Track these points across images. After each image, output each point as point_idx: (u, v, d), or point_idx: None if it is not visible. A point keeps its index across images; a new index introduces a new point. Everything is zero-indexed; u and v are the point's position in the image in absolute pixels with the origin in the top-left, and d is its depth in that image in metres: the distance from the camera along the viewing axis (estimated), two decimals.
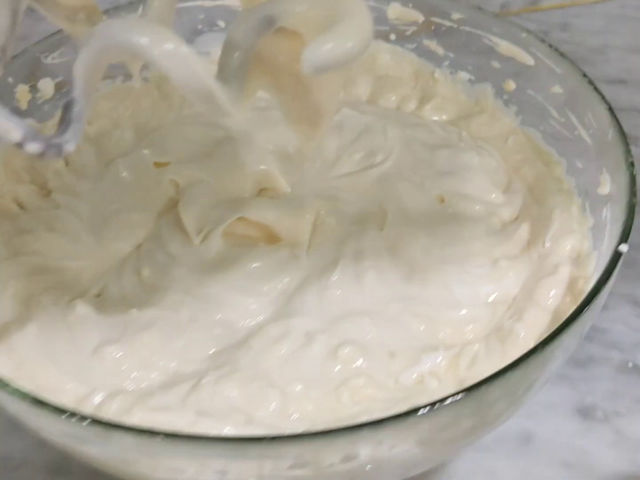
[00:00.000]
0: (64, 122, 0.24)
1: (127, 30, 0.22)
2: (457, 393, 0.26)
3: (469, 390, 0.26)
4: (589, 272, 0.34)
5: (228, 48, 0.25)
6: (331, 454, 0.26)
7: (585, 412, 0.41)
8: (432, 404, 0.26)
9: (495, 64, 0.43)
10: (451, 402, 0.26)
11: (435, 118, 0.45)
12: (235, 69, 0.25)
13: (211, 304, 0.34)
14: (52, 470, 0.40)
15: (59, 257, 0.36)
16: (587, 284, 0.33)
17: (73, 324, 0.33)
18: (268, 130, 0.42)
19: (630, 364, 0.43)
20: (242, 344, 0.33)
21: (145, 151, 0.41)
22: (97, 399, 0.30)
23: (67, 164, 0.41)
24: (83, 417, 0.25)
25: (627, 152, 0.34)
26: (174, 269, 0.35)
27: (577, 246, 0.36)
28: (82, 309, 0.33)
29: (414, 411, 0.25)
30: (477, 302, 0.34)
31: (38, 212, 0.38)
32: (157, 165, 0.40)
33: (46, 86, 0.42)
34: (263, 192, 0.40)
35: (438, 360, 0.32)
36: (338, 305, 0.34)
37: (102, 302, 0.34)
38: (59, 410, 0.26)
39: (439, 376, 0.32)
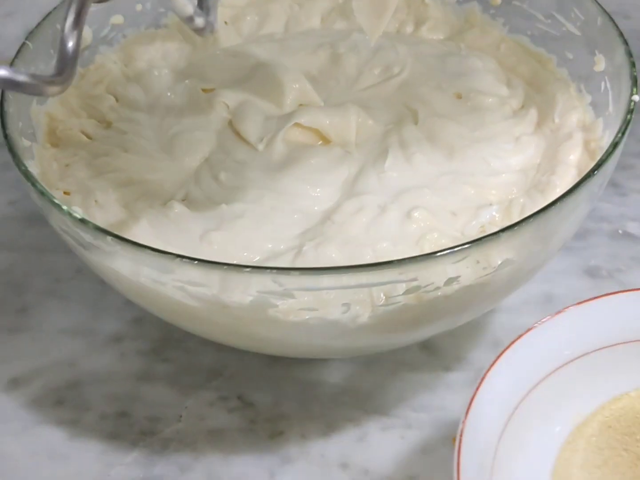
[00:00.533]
0: (205, 7, 0.28)
1: None
2: (527, 218, 0.32)
3: (534, 215, 0.32)
4: (599, 135, 0.41)
5: None
6: (438, 275, 0.32)
7: (592, 272, 0.48)
8: (513, 225, 0.32)
9: None
10: (523, 224, 0.32)
11: (434, 37, 0.50)
12: None
13: (287, 195, 0.39)
14: (138, 377, 0.43)
15: (140, 172, 0.40)
16: (600, 143, 0.40)
17: (175, 219, 0.37)
18: (290, 58, 0.47)
19: (620, 231, 0.51)
20: (324, 221, 0.38)
21: (188, 81, 0.45)
22: None
23: (117, 99, 0.45)
24: (236, 265, 0.30)
25: (618, 30, 0.40)
26: (247, 171, 0.40)
27: (581, 118, 0.42)
28: (178, 207, 0.38)
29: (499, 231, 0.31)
30: (510, 170, 0.41)
31: (107, 139, 0.42)
32: (204, 91, 0.45)
33: (86, 34, 0.46)
34: (300, 107, 0.45)
35: (493, 214, 0.38)
36: (397, 183, 0.39)
37: (190, 203, 0.39)
38: (210, 262, 0.30)
39: (497, 224, 0.37)
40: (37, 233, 0.51)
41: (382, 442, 0.40)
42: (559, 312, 0.34)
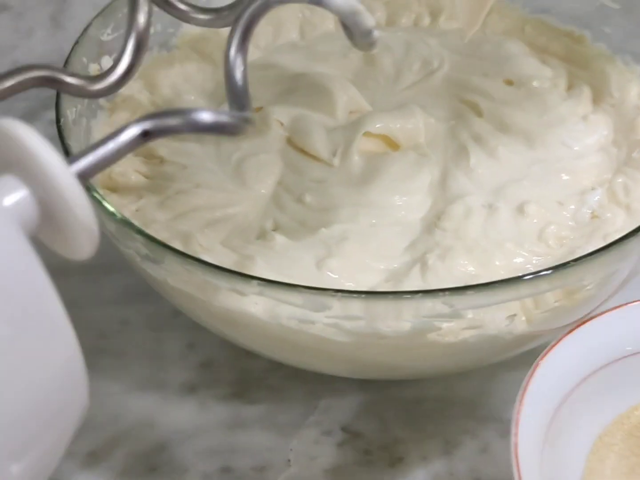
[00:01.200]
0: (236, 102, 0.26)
1: None
2: None
3: None
4: None
5: None
6: (595, 274, 0.30)
7: None
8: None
9: None
10: None
11: (453, 27, 0.49)
12: None
13: (380, 208, 0.37)
14: (229, 426, 0.40)
15: (221, 207, 0.37)
16: None
17: (282, 251, 0.34)
18: (322, 64, 0.45)
19: None
20: (431, 230, 0.36)
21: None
22: None
23: None
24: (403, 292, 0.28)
25: None
26: (331, 189, 0.37)
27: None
28: (279, 238, 0.35)
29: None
30: (591, 150, 0.40)
31: (169, 176, 0.38)
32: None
33: (106, 64, 0.42)
34: (351, 115, 0.43)
35: (598, 198, 0.37)
36: (490, 180, 0.38)
37: (285, 232, 0.36)
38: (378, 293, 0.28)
39: (607, 208, 0.37)
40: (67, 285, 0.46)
41: (505, 449, 0.39)
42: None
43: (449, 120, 0.41)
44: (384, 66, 0.45)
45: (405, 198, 0.37)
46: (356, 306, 0.28)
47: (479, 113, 0.42)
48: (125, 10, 0.34)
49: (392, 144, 0.40)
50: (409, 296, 0.28)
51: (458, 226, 0.35)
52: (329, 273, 0.33)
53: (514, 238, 0.35)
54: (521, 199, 0.36)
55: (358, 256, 0.34)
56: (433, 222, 0.36)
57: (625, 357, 0.33)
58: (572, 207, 0.37)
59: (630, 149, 0.39)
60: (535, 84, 0.43)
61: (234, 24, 0.31)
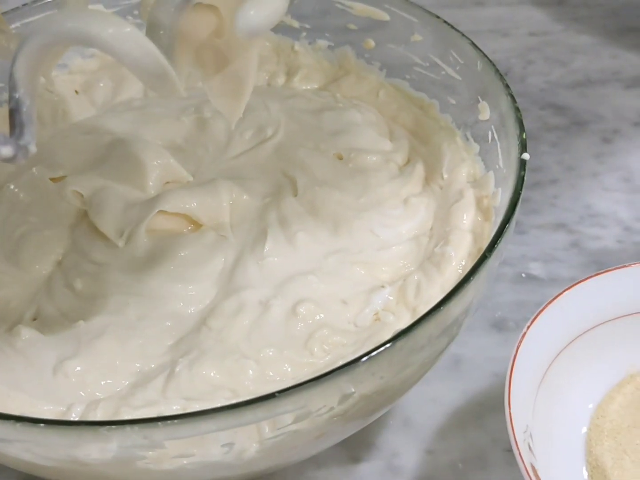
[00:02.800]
0: (17, 126, 0.23)
1: (74, 20, 0.22)
2: (427, 314, 0.28)
3: (434, 309, 0.29)
4: (490, 190, 0.37)
5: (153, 29, 0.26)
6: (329, 397, 0.28)
7: (499, 326, 0.45)
8: (411, 326, 0.28)
9: (352, 26, 0.46)
10: (423, 322, 0.28)
11: (307, 87, 0.47)
12: (165, 49, 0.26)
13: (155, 299, 0.34)
14: None
15: None
16: (493, 200, 0.37)
17: (23, 349, 0.32)
18: (152, 128, 0.43)
19: (523, 275, 0.48)
20: (199, 327, 0.33)
21: (35, 170, 0.40)
22: (78, 411, 0.30)
23: None
24: (90, 423, 0.25)
25: (500, 76, 0.37)
26: (107, 274, 0.35)
27: (471, 171, 0.39)
28: (27, 333, 0.32)
29: (400, 334, 0.27)
30: (401, 239, 0.37)
31: None
32: (53, 180, 0.39)
33: None
34: (167, 186, 0.40)
35: (387, 296, 0.34)
36: (279, 270, 0.35)
37: (43, 323, 0.33)
38: (59, 423, 0.25)
39: (392, 310, 0.34)
40: None
41: None
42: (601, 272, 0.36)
43: (266, 197, 0.39)
44: (215, 132, 0.43)
45: (190, 286, 0.35)
46: (40, 436, 0.26)
47: (295, 191, 0.39)
48: None
49: (196, 223, 0.38)
50: (91, 430, 0.25)
51: (224, 325, 0.33)
52: (65, 377, 0.31)
53: (278, 343, 0.32)
54: (300, 297, 0.34)
55: (110, 355, 0.32)
56: (205, 319, 0.33)
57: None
58: (356, 307, 0.34)
59: (435, 240, 0.36)
60: (368, 158, 0.41)
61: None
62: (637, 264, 0.37)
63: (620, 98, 0.59)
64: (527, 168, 0.34)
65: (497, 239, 0.31)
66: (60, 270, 0.36)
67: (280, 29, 0.48)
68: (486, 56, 0.39)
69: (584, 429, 0.35)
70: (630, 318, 0.37)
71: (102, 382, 0.31)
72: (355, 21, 0.45)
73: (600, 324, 0.37)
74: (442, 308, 0.29)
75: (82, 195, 0.39)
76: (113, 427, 0.25)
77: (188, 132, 0.43)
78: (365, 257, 0.36)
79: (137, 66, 0.23)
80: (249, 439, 0.28)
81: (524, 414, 0.33)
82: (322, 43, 0.47)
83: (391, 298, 0.34)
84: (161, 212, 0.37)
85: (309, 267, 0.35)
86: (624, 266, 0.37)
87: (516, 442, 0.30)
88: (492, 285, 0.47)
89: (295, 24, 0.47)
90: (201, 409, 0.26)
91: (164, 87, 0.24)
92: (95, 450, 0.26)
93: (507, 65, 0.61)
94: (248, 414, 0.26)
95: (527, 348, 0.34)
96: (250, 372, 0.31)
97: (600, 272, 0.37)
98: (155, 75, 0.24)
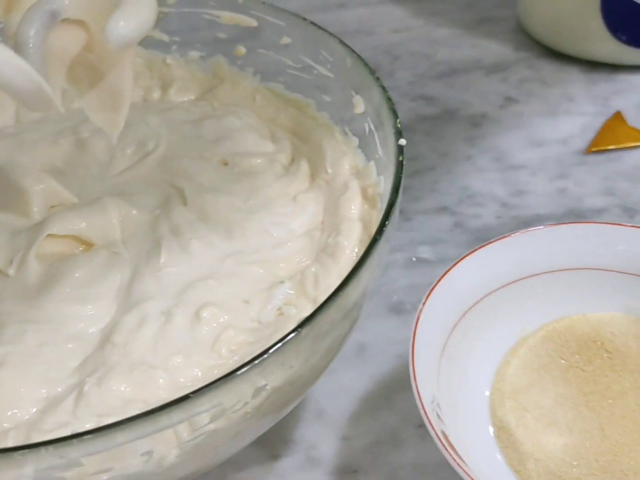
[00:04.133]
0: None
1: None
2: (327, 300, 0.29)
3: (334, 295, 0.30)
4: (373, 179, 0.39)
5: (21, 48, 0.26)
6: (243, 392, 0.28)
7: (397, 309, 0.47)
8: (313, 314, 0.29)
9: (222, 35, 0.46)
10: (325, 309, 0.29)
11: (184, 99, 0.47)
12: (36, 67, 0.25)
13: (54, 323, 0.34)
14: None
15: None
16: (377, 189, 0.38)
17: None
18: (29, 154, 0.42)
19: (414, 259, 0.50)
20: (103, 345, 0.33)
21: None
22: None
23: None
24: (2, 450, 0.25)
25: (370, 69, 0.39)
26: (0, 304, 0.34)
27: (353, 164, 0.41)
28: None
29: (304, 322, 0.28)
30: (295, 235, 0.38)
31: None
32: None
33: None
34: (52, 209, 0.40)
35: (287, 291, 0.35)
36: (178, 279, 0.35)
37: None
38: None
39: (294, 303, 0.35)
40: None
41: None
42: (483, 245, 0.39)
43: (155, 209, 0.39)
44: (96, 151, 0.42)
45: (89, 306, 0.35)
46: None
47: (184, 200, 0.39)
48: None
49: (87, 243, 0.38)
50: (5, 457, 0.25)
51: (128, 340, 0.33)
52: None
53: (186, 350, 0.32)
54: (202, 302, 0.34)
55: (12, 385, 0.31)
56: (108, 336, 0.33)
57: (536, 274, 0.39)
58: (258, 305, 0.34)
59: (327, 232, 0.37)
60: (252, 161, 0.41)
61: None
62: (514, 234, 0.39)
63: (484, 84, 0.62)
64: (405, 157, 0.36)
65: (385, 222, 0.32)
66: None
67: (150, 43, 0.48)
68: (355, 52, 0.40)
69: (487, 393, 0.37)
70: (515, 285, 0.39)
71: (9, 413, 0.30)
72: (225, 30, 0.46)
73: (489, 293, 0.39)
74: (340, 293, 0.30)
75: None
76: (27, 450, 0.25)
77: (67, 154, 0.42)
78: (261, 256, 0.37)
79: (10, 85, 0.23)
80: (167, 445, 0.28)
81: (430, 387, 0.34)
82: (194, 54, 0.48)
83: (291, 292, 0.35)
84: (50, 236, 0.37)
85: (207, 272, 0.36)
86: (504, 237, 0.39)
87: (425, 412, 0.32)
88: (386, 271, 0.49)
89: (165, 37, 0.48)
90: (115, 421, 0.26)
91: (41, 104, 0.24)
92: (11, 478, 0.26)
93: (375, 62, 0.64)
94: (164, 418, 0.26)
95: (424, 326, 0.36)
96: (161, 381, 0.31)
97: (482, 245, 0.39)
98: (30, 93, 0.24)
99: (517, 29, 0.66)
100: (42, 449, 0.25)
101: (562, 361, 0.38)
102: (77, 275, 0.35)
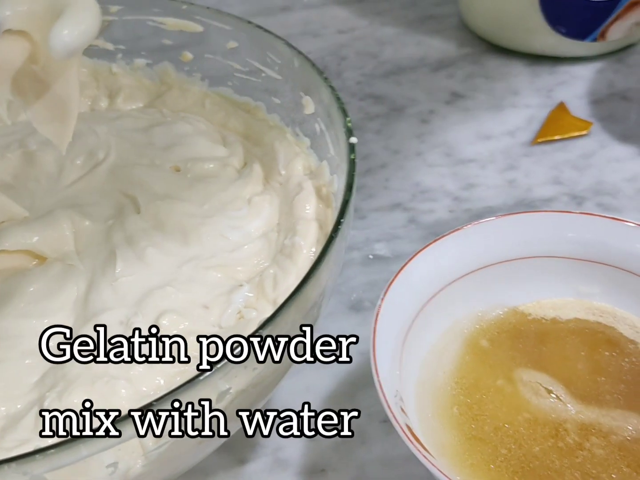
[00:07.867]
0: None
1: None
2: (287, 301, 0.30)
3: (293, 295, 0.30)
4: (327, 178, 0.39)
5: None
6: (208, 396, 0.28)
7: (357, 307, 0.47)
8: (273, 315, 0.29)
9: (168, 42, 0.46)
10: (284, 310, 0.29)
11: (132, 107, 0.47)
12: None
13: (9, 339, 0.33)
14: None
15: None
16: (330, 187, 0.39)
17: None
18: None
19: (370, 256, 0.50)
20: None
21: None
22: None
23: None
24: None
25: (318, 69, 0.39)
26: None
27: (306, 164, 0.41)
28: None
29: (265, 323, 0.28)
30: (251, 238, 0.38)
31: None
32: None
33: None
34: (2, 225, 0.39)
35: (246, 294, 0.35)
36: (135, 288, 0.35)
37: None
38: None
39: (254, 306, 0.35)
40: None
41: None
42: (437, 239, 0.39)
43: (108, 219, 0.39)
44: (45, 164, 0.42)
45: (45, 320, 0.34)
46: None
47: (138, 209, 0.39)
48: None
49: (41, 256, 0.37)
50: None
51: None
52: None
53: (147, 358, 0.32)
54: (161, 309, 0.34)
55: None
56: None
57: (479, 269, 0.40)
58: (218, 310, 0.34)
59: (284, 233, 0.38)
60: (205, 166, 0.41)
61: None
62: (467, 226, 0.40)
63: (430, 81, 0.63)
64: (357, 156, 0.36)
65: (340, 220, 0.32)
66: None
67: (95, 53, 0.47)
68: (302, 53, 0.40)
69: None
70: (470, 276, 0.40)
71: None
72: (170, 36, 0.46)
73: (445, 286, 0.39)
74: (299, 293, 0.30)
75: None
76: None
77: (15, 168, 0.42)
78: (219, 261, 0.36)
79: None
80: (133, 455, 0.27)
81: (392, 381, 0.34)
82: (140, 62, 0.47)
83: (251, 295, 0.35)
84: (1, 251, 0.36)
85: (164, 279, 0.35)
86: (456, 230, 0.39)
87: (389, 406, 0.32)
88: (344, 270, 0.49)
89: (110, 46, 0.47)
90: (78, 434, 0.25)
91: None
92: None
93: (323, 63, 0.64)
94: (128, 428, 0.26)
95: (383, 322, 0.36)
96: (123, 391, 0.31)
97: (436, 239, 0.39)
98: None
99: (460, 26, 0.68)
100: (5, 466, 0.24)
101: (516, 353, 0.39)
102: (31, 289, 0.35)
